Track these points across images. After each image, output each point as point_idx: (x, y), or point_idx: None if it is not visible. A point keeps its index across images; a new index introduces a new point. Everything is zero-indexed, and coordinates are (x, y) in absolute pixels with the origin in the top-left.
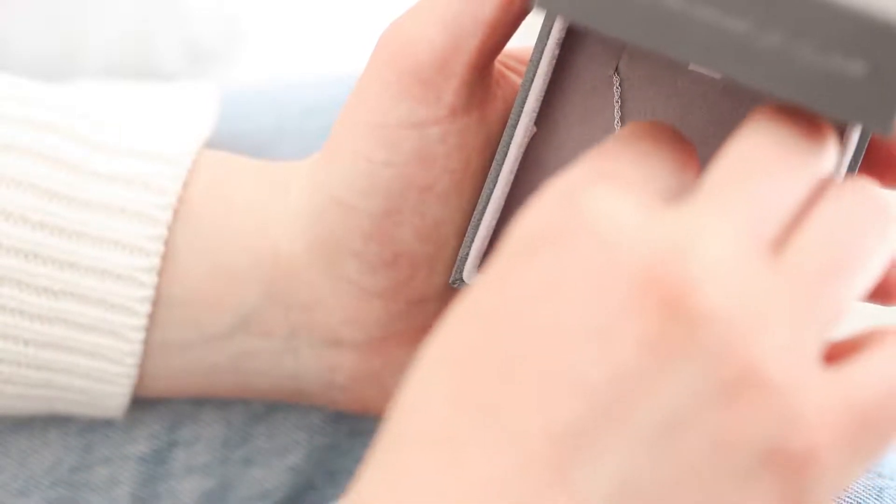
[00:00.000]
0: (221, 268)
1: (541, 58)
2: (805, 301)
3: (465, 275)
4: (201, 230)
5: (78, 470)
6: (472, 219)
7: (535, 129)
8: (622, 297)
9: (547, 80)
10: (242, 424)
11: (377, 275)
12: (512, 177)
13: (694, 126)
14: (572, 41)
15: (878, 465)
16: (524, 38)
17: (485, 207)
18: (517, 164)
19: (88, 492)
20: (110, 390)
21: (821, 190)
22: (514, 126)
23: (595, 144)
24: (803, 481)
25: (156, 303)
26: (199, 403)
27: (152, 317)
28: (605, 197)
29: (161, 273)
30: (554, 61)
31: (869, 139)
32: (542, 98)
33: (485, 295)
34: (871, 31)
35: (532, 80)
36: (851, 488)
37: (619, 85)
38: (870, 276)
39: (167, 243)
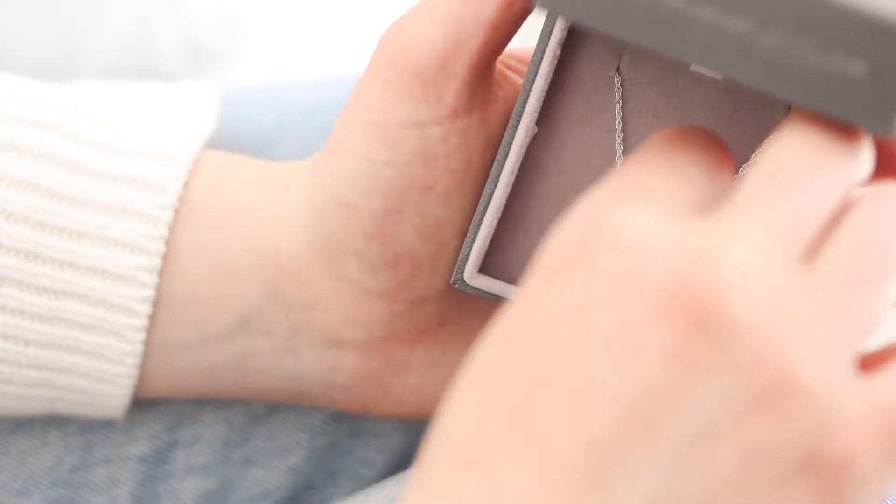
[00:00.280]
0: (222, 268)
1: (542, 58)
2: (838, 308)
3: (465, 275)
4: (202, 230)
5: (78, 470)
6: (474, 219)
7: (536, 130)
8: (649, 308)
9: (548, 81)
10: (242, 425)
11: (378, 275)
12: (513, 177)
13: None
14: (574, 41)
15: None
16: (525, 38)
17: (486, 207)
18: (518, 164)
19: (88, 492)
20: (111, 390)
21: (854, 196)
22: (516, 126)
23: (596, 144)
24: (841, 488)
25: (156, 303)
26: (199, 404)
27: (153, 317)
28: (630, 212)
29: (162, 273)
30: (555, 62)
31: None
32: (543, 98)
33: (515, 317)
34: (871, 31)
35: (533, 81)
36: None
37: (621, 85)
38: None
39: (168, 243)
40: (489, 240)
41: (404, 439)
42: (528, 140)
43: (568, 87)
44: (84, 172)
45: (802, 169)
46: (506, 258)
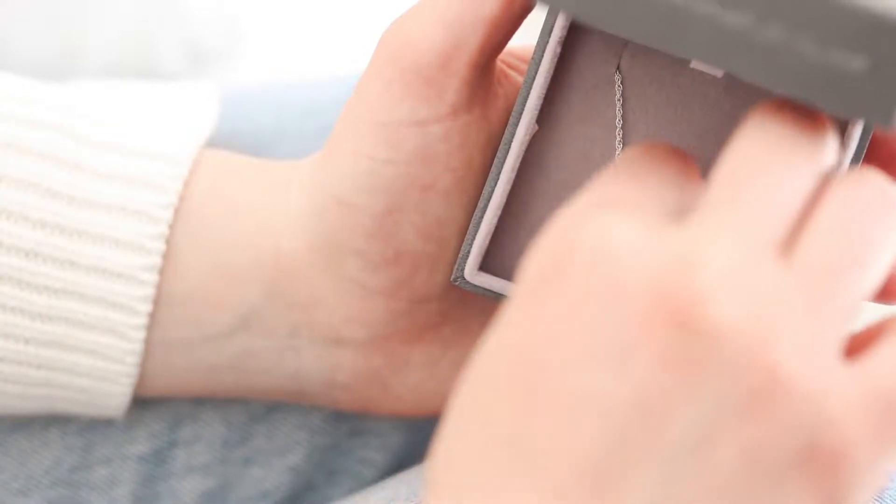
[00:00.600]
0: (222, 267)
1: (542, 56)
2: (819, 299)
3: (466, 272)
4: (202, 229)
5: (78, 469)
6: (474, 217)
7: (536, 127)
8: (632, 319)
9: (549, 79)
10: (242, 424)
11: (379, 273)
12: (513, 175)
13: (695, 125)
14: (574, 39)
15: None
16: (526, 36)
17: (486, 205)
18: (519, 161)
19: (88, 491)
20: (111, 389)
21: (825, 184)
22: (516, 124)
23: (596, 142)
24: (839, 479)
25: (156, 302)
26: (199, 403)
27: (153, 316)
28: (605, 225)
29: (162, 272)
30: (556, 59)
31: (871, 134)
32: (543, 96)
33: (501, 339)
34: (871, 26)
35: (534, 79)
36: None
37: (621, 83)
38: (881, 268)
39: (168, 242)
40: (490, 237)
41: (404, 438)
42: (528, 138)
43: (568, 85)
44: (84, 172)
45: (768, 162)
46: (506, 256)
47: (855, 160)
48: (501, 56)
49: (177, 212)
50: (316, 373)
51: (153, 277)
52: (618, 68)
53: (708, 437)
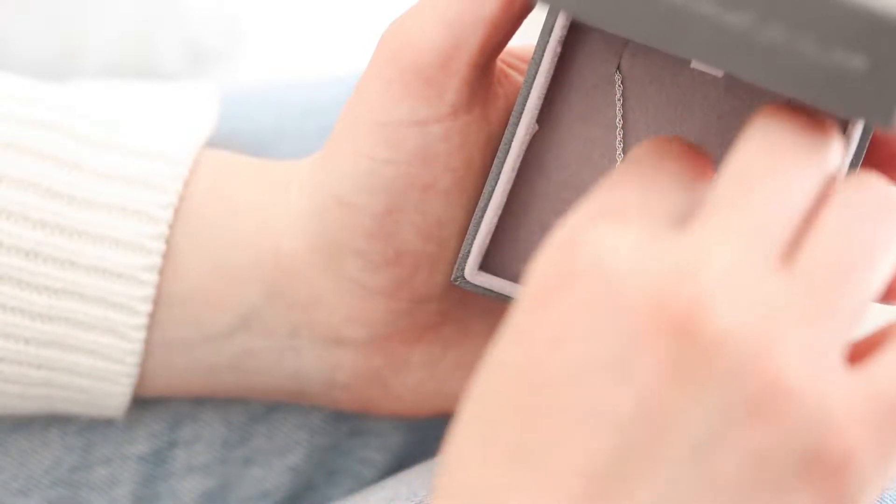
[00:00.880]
0: (222, 267)
1: (543, 55)
2: (821, 305)
3: (466, 272)
4: (202, 229)
5: (78, 469)
6: (474, 217)
7: (536, 127)
8: (633, 330)
9: (549, 78)
10: (242, 424)
11: (379, 273)
12: (514, 175)
13: (695, 125)
14: (574, 39)
15: None
16: (526, 36)
17: (486, 205)
18: (519, 161)
19: (88, 491)
20: (111, 389)
21: (828, 188)
22: (516, 124)
23: (597, 142)
24: (843, 484)
25: (156, 302)
26: (199, 403)
27: (153, 316)
28: (605, 235)
29: (162, 272)
30: (556, 59)
31: (871, 134)
32: (544, 96)
33: (504, 352)
34: (871, 26)
35: (534, 78)
36: None
37: (621, 83)
38: (883, 273)
39: (168, 242)
40: (490, 237)
41: (404, 438)
42: (528, 138)
43: (568, 85)
44: (84, 172)
45: (772, 167)
46: (506, 255)
47: (855, 160)
48: (501, 56)
49: (177, 212)
50: (316, 373)
51: (153, 277)
52: (618, 68)
53: (712, 445)
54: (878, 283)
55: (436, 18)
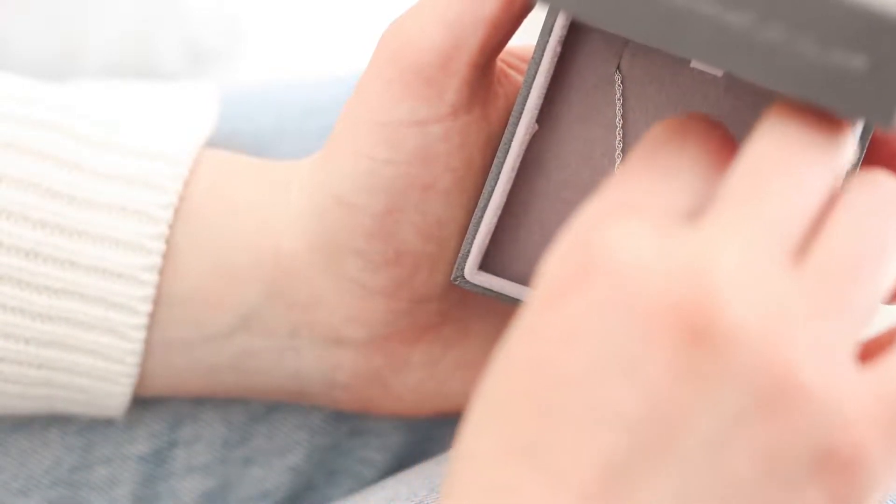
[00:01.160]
0: (222, 267)
1: (542, 55)
2: (833, 303)
3: (466, 272)
4: (202, 229)
5: (78, 469)
6: (474, 216)
7: (536, 127)
8: (646, 328)
9: (549, 78)
10: (242, 424)
11: (379, 273)
12: (513, 174)
13: None
14: (574, 39)
15: None
16: (526, 36)
17: (486, 205)
18: (519, 161)
19: (88, 491)
20: (111, 389)
21: (840, 187)
22: (516, 124)
23: (597, 142)
24: (853, 481)
25: (156, 301)
26: (199, 403)
27: (153, 315)
28: (618, 233)
29: (162, 272)
30: (556, 59)
31: (871, 134)
32: (543, 96)
33: (519, 345)
34: (872, 26)
35: (534, 78)
36: None
37: (621, 83)
38: (894, 270)
39: (168, 242)
40: (490, 237)
41: (404, 438)
42: (528, 137)
43: (568, 85)
44: (84, 172)
45: (784, 165)
46: (506, 255)
47: (855, 160)
48: (501, 56)
49: (177, 212)
50: (316, 373)
51: (153, 277)
52: (618, 68)
53: (723, 443)
54: (889, 280)
55: (436, 18)
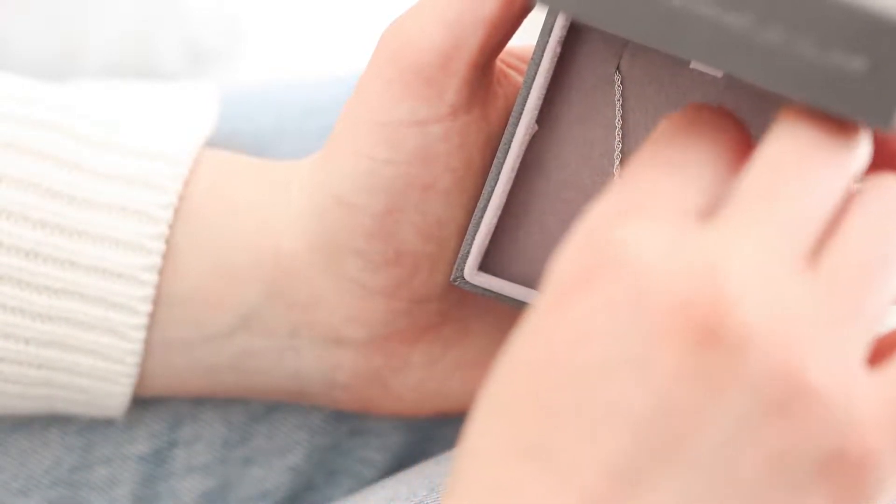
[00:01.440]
0: (222, 267)
1: (542, 56)
2: (844, 307)
3: (466, 272)
4: (202, 229)
5: (78, 469)
6: (474, 217)
7: (536, 127)
8: (656, 328)
9: (548, 79)
10: (242, 424)
11: (379, 273)
12: (513, 175)
13: None
14: (574, 39)
15: None
16: (526, 36)
17: (486, 205)
18: (518, 161)
19: (88, 491)
20: (111, 389)
21: (854, 190)
22: (516, 124)
23: (596, 142)
24: (863, 486)
25: (156, 301)
26: (199, 403)
27: (153, 315)
28: (631, 232)
29: (162, 272)
30: (555, 59)
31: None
32: (543, 96)
33: (526, 344)
34: (871, 27)
35: (534, 79)
36: None
37: (621, 83)
38: None
39: (168, 242)
40: (489, 237)
41: (404, 438)
42: (528, 138)
43: (568, 85)
44: (84, 172)
45: (800, 167)
46: (506, 256)
47: None
48: (501, 56)
49: (177, 212)
50: (316, 373)
51: (153, 277)
52: (618, 68)
53: (732, 445)
54: None
55: (436, 18)
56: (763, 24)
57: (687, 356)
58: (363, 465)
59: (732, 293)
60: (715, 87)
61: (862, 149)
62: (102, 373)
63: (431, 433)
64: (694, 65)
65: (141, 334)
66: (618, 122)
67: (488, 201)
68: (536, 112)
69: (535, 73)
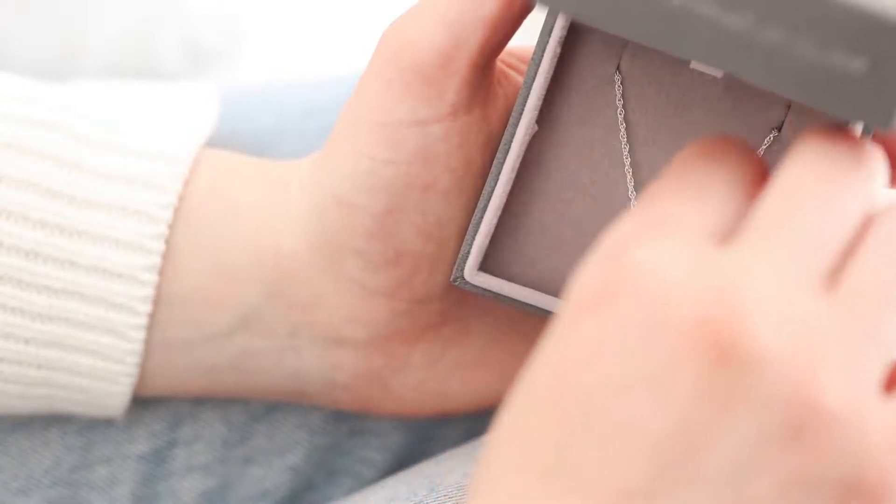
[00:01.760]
0: (222, 267)
1: (542, 56)
2: (862, 330)
3: (466, 272)
4: (202, 229)
5: (78, 469)
6: (474, 217)
7: (536, 128)
8: (674, 347)
9: (548, 79)
10: (242, 424)
11: (379, 273)
12: (513, 175)
13: (695, 125)
14: (574, 40)
15: None
16: (526, 36)
17: (486, 205)
18: (518, 162)
19: (88, 491)
20: (111, 389)
21: (872, 212)
22: (516, 124)
23: (596, 143)
24: None
25: (156, 302)
26: (199, 403)
27: (153, 316)
28: (650, 251)
29: (162, 272)
30: (556, 60)
31: (871, 135)
32: (543, 96)
33: (545, 361)
34: (871, 28)
35: (534, 79)
36: None
37: (621, 83)
38: None
39: (168, 242)
40: (489, 238)
41: (404, 438)
42: (528, 138)
43: (568, 86)
44: (84, 172)
45: (819, 190)
46: (506, 256)
47: None
48: (501, 56)
49: (177, 212)
50: (316, 373)
51: (153, 277)
52: (618, 68)
53: (747, 467)
54: None
55: (436, 18)
56: (763, 24)
57: (703, 376)
58: (363, 465)
59: (749, 313)
60: (715, 87)
61: (880, 168)
62: (102, 373)
63: (431, 433)
64: (694, 65)
65: (141, 334)
66: (621, 125)
67: (488, 201)
68: (536, 112)
69: (535, 74)
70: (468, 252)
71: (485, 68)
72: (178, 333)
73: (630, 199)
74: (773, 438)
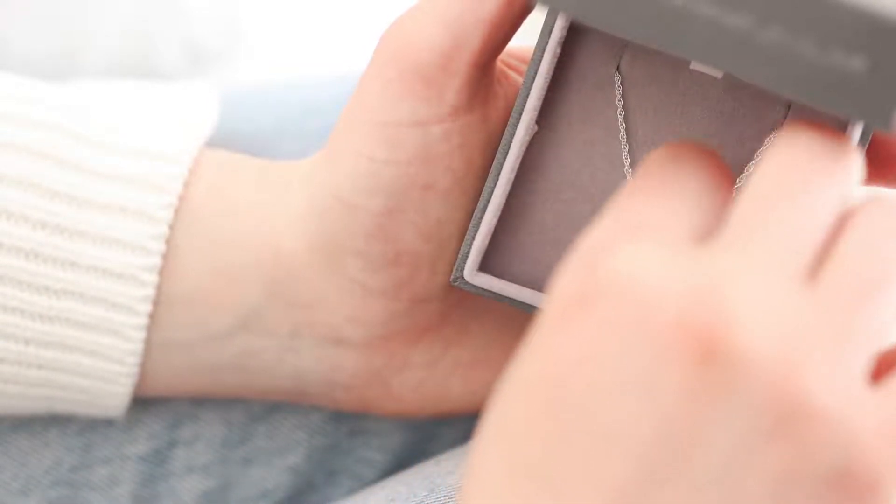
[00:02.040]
0: (222, 267)
1: (542, 56)
2: (845, 324)
3: (465, 273)
4: (202, 229)
5: (78, 469)
6: (474, 217)
7: (536, 128)
8: (657, 350)
9: (548, 79)
10: (242, 424)
11: (379, 273)
12: (513, 175)
13: (695, 125)
14: (574, 39)
15: None
16: (526, 36)
17: (486, 206)
18: (519, 162)
19: (89, 491)
20: (111, 389)
21: (850, 207)
22: (516, 124)
23: (596, 143)
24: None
25: (157, 302)
26: (199, 403)
27: (153, 316)
28: (628, 254)
29: (162, 272)
30: (555, 60)
31: (870, 135)
32: (543, 96)
33: (528, 365)
34: (871, 27)
35: (534, 79)
36: None
37: (621, 83)
38: None
39: (168, 242)
40: (489, 238)
41: (404, 438)
42: (528, 138)
43: (568, 86)
44: (84, 172)
45: (796, 185)
46: (506, 256)
47: None
48: (501, 56)
49: (177, 212)
50: (316, 373)
51: (153, 278)
52: (618, 69)
53: (736, 466)
54: None
55: (436, 18)
56: (763, 25)
57: (688, 376)
58: (363, 465)
59: (731, 312)
60: (715, 87)
61: (856, 164)
62: (102, 373)
63: (431, 433)
64: (694, 65)
65: (141, 334)
66: (621, 125)
67: (488, 201)
68: (536, 112)
69: (535, 73)
70: (468, 252)
71: (485, 68)
72: (178, 334)
73: None
74: (760, 435)
